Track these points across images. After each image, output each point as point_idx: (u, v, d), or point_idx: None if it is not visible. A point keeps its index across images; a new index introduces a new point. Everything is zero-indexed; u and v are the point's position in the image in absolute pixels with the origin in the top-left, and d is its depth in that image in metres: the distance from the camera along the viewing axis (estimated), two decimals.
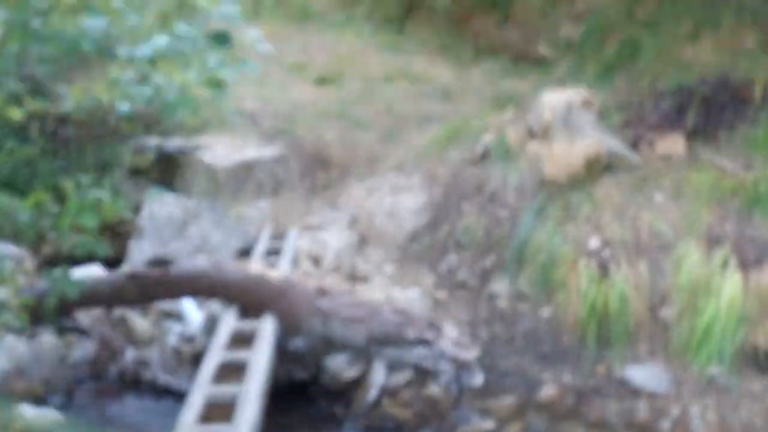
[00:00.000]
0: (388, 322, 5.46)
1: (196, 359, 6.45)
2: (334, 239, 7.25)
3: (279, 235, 7.52)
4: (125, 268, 6.14)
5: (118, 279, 5.95)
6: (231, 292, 5.78)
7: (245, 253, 7.42)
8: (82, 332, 6.64)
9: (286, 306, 5.62)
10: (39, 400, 5.76)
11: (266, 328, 5.51)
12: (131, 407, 5.96)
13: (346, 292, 6.04)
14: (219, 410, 4.61)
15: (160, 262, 5.89)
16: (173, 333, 6.73)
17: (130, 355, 6.35)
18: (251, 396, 4.66)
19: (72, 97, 4.09)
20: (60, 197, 5.22)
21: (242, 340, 5.46)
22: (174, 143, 8.86)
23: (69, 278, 4.74)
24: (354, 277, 6.93)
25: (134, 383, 6.22)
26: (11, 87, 4.41)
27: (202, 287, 5.84)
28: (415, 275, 7.07)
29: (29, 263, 7.71)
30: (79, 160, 9.16)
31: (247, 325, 5.63)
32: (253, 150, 8.60)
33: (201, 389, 4.75)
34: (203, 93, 4.11)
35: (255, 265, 5.97)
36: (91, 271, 7.18)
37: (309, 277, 6.53)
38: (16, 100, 4.31)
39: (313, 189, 8.46)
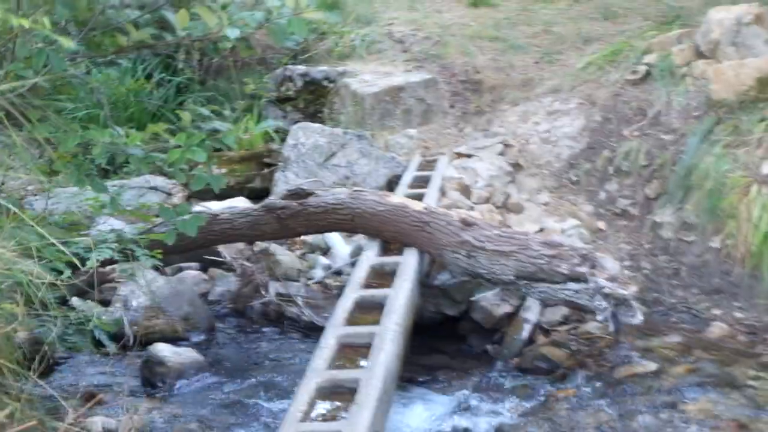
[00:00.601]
0: (539, 255, 5.01)
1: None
2: (486, 167, 6.83)
3: (428, 164, 7.16)
4: (268, 199, 5.89)
5: (256, 212, 5.70)
6: (370, 224, 5.46)
7: (394, 182, 7.10)
8: (224, 267, 6.49)
9: (428, 239, 5.25)
10: (178, 338, 5.61)
11: (407, 263, 5.16)
12: (274, 345, 5.74)
13: (493, 223, 5.63)
14: (353, 352, 4.31)
15: (299, 194, 5.61)
16: (319, 267, 6.50)
17: (273, 289, 6.13)
18: (387, 337, 4.33)
19: (178, 23, 3.80)
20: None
21: (383, 275, 5.14)
22: (320, 71, 8.59)
23: (187, 215, 4.51)
24: (506, 207, 6.51)
25: (277, 319, 6.02)
26: (126, 15, 4.17)
27: (341, 219, 5.54)
28: (571, 204, 6.60)
29: (178, 196, 7.62)
30: (226, 89, 9.03)
31: (388, 260, 5.31)
32: (401, 75, 8.23)
33: (334, 330, 4.46)
34: (317, 15, 3.76)
35: (396, 196, 5.61)
36: (235, 204, 7.02)
37: (454, 208, 6.15)
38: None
39: (463, 115, 8.04)
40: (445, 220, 5.27)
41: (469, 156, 7.16)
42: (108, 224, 5.94)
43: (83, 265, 5.31)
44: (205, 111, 4.76)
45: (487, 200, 6.53)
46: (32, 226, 3.91)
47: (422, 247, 5.32)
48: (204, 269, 6.55)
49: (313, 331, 5.82)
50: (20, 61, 3.65)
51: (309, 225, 5.66)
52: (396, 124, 7.89)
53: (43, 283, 3.91)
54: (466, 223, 5.23)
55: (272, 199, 5.77)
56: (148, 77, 9.23)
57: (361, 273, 5.07)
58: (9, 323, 3.28)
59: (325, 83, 8.57)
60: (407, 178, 6.77)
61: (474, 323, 5.62)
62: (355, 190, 5.63)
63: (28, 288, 3.92)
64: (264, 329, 5.95)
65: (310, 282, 6.36)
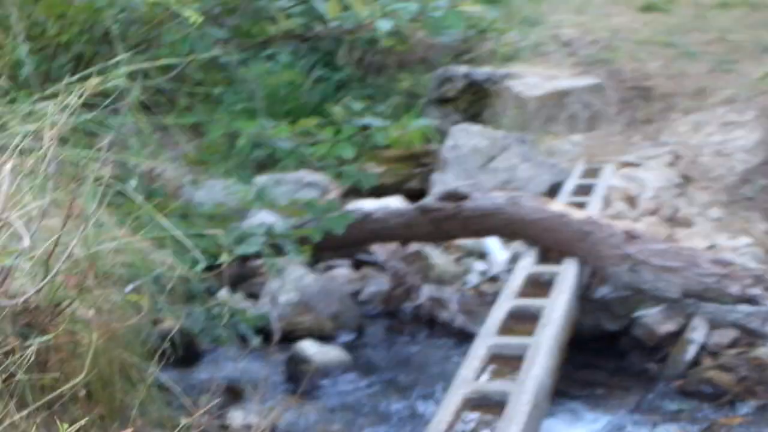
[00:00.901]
0: (708, 274, 4.70)
1: None
2: (653, 178, 6.49)
3: (592, 172, 6.86)
4: (422, 201, 5.74)
5: (410, 213, 5.56)
6: (528, 231, 5.24)
7: (555, 189, 6.85)
8: (377, 267, 6.37)
9: (588, 249, 5.00)
10: (326, 336, 5.52)
11: (566, 273, 4.92)
12: (423, 349, 5.59)
13: (660, 237, 5.33)
14: (504, 364, 4.11)
15: (454, 196, 5.44)
16: (474, 272, 6.31)
17: (426, 293, 5.98)
18: (541, 350, 4.11)
19: (328, 12, 3.69)
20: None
21: (539, 285, 4.91)
22: (483, 72, 8.40)
23: (335, 212, 4.39)
24: (673, 221, 6.17)
25: (429, 323, 5.86)
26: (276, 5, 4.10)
27: (498, 225, 5.34)
28: (744, 222, 6.19)
29: (335, 193, 7.54)
30: (386, 87, 8.93)
31: (545, 269, 5.07)
32: (566, 79, 7.96)
33: (485, 339, 4.27)
34: (474, 9, 3.59)
35: (556, 203, 5.37)
36: (390, 203, 6.91)
37: (619, 219, 5.85)
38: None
39: (631, 123, 7.70)
40: (608, 232, 5.01)
41: (635, 165, 6.83)
42: (260, 218, 5.91)
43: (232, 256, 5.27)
44: (357, 105, 4.64)
45: (653, 213, 6.21)
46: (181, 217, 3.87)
47: (582, 258, 5.07)
48: (356, 268, 6.44)
49: (464, 338, 5.63)
50: (166, 46, 3.61)
51: (464, 229, 5.49)
52: (560, 130, 7.62)
53: (180, 275, 3.87)
54: (631, 236, 4.95)
55: (427, 200, 5.61)
56: (309, 73, 9.22)
57: (516, 281, 4.86)
58: (142, 314, 3.22)
59: (488, 85, 8.36)
60: (570, 186, 6.51)
61: (635, 340, 5.31)
62: (514, 196, 5.42)
63: (167, 278, 3.88)
64: (414, 333, 5.79)
65: (464, 287, 6.18)
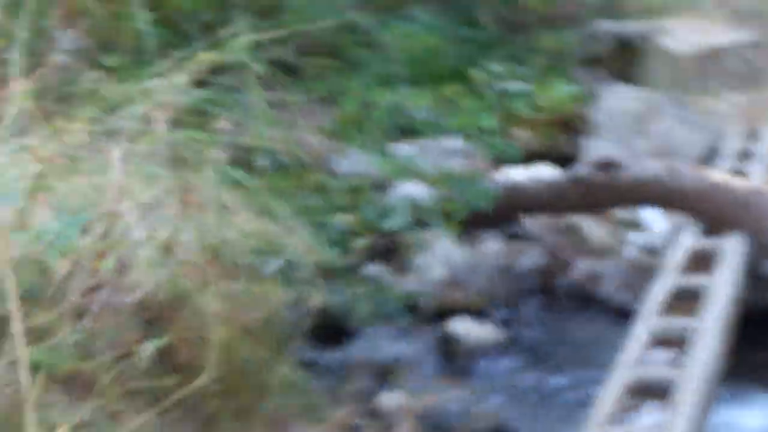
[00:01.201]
0: None
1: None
2: None
3: (752, 135, 6.50)
4: (573, 169, 5.53)
5: (561, 183, 5.37)
6: (686, 202, 4.98)
7: (711, 154, 6.53)
8: (529, 240, 6.20)
9: (756, 222, 4.72)
10: (478, 314, 5.39)
11: (731, 248, 4.67)
12: (580, 327, 5.42)
13: None
14: (667, 346, 3.92)
15: (607, 165, 5.22)
16: (632, 244, 6.08)
17: (581, 267, 5.79)
18: (708, 332, 3.90)
19: None
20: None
21: (703, 260, 4.67)
22: (632, 28, 8.04)
23: (476, 186, 4.24)
24: None
25: (585, 299, 5.66)
26: None
27: (653, 195, 5.10)
28: None
29: (480, 161, 7.38)
30: (532, 47, 8.65)
31: (708, 243, 4.82)
32: (722, 34, 7.54)
33: (645, 320, 4.08)
34: None
35: (718, 172, 5.09)
36: (539, 170, 6.71)
37: None
38: None
39: None
40: None
41: None
42: (404, 189, 5.81)
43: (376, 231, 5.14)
44: (498, 69, 4.45)
45: None
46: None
47: (749, 232, 4.79)
48: (507, 241, 6.29)
49: (623, 315, 5.42)
50: (293, 11, 3.47)
51: (618, 199, 5.28)
52: (716, 89, 7.23)
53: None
54: None
55: (579, 169, 5.39)
56: (449, 34, 9.02)
57: (677, 256, 4.64)
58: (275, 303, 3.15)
59: (637, 42, 8.00)
60: (728, 151, 6.17)
61: None
62: (671, 164, 5.16)
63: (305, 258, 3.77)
64: (570, 310, 5.61)
65: (621, 260, 5.97)
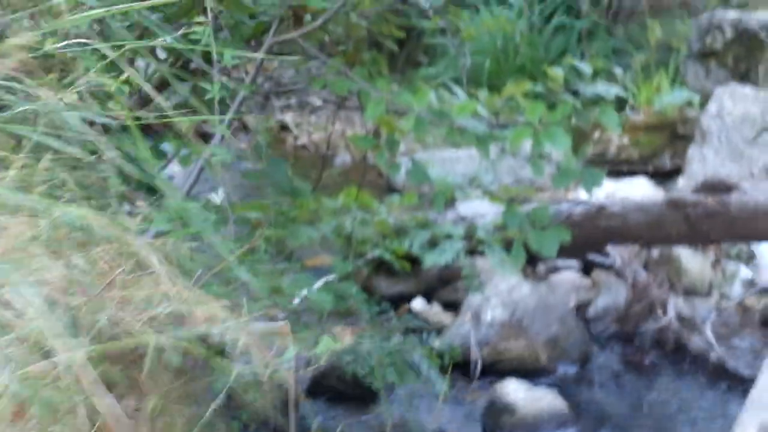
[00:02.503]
0: None
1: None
2: None
3: None
4: (678, 187, 4.33)
5: (657, 208, 4.18)
6: None
7: None
8: (611, 271, 5.00)
9: None
10: (540, 370, 4.25)
11: None
12: (667, 390, 4.25)
13: None
14: None
15: (717, 187, 4.01)
16: (737, 280, 4.87)
17: (673, 309, 4.58)
18: None
19: None
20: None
21: None
22: (757, 18, 6.70)
23: (544, 222, 3.13)
24: None
25: (676, 352, 4.48)
26: None
27: None
28: None
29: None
30: (637, 38, 7.42)
31: None
32: None
33: (757, 411, 2.88)
34: None
35: None
36: (634, 186, 5.54)
37: None
38: None
39: None
40: None
41: None
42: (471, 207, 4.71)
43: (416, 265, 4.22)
44: (585, 67, 3.29)
45: None
46: None
47: None
48: (585, 272, 5.09)
49: (723, 377, 4.26)
50: None
51: (729, 231, 4.09)
52: None
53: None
54: None
55: (680, 192, 4.18)
56: (548, 20, 7.85)
57: None
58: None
59: (763, 35, 6.67)
60: None
61: None
62: None
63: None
64: (657, 364, 4.43)
65: (723, 301, 4.76)
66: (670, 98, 6.50)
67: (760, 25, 6.66)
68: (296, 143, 7.27)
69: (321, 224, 2.98)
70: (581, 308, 4.78)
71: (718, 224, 3.99)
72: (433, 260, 3.80)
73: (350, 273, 3.51)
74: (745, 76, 6.52)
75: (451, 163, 5.92)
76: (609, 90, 3.49)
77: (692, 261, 4.94)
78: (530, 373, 4.20)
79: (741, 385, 4.17)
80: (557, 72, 3.32)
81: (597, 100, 3.47)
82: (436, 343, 4.09)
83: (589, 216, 4.33)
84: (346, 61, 3.17)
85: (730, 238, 4.17)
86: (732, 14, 6.91)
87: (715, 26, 6.95)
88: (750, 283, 4.84)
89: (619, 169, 6.22)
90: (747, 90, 5.99)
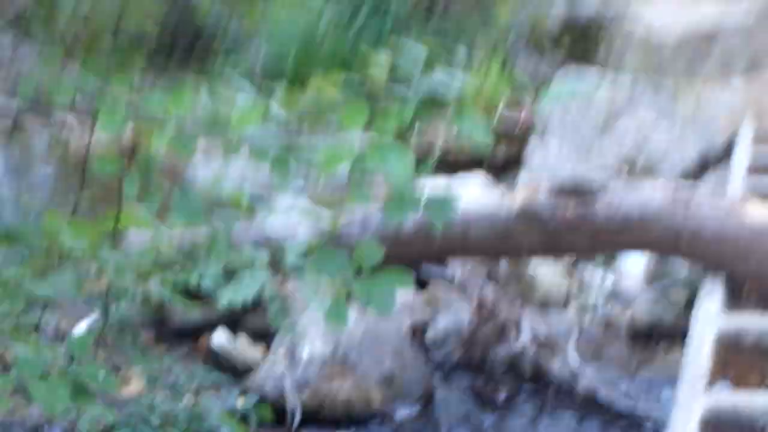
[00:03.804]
0: None
1: (636, 339, 3.99)
2: None
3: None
4: (518, 194, 3.62)
5: (507, 220, 3.46)
6: (711, 252, 3.12)
7: (710, 162, 4.72)
8: (452, 286, 4.30)
9: None
10: (373, 414, 3.50)
11: None
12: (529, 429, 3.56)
13: None
14: None
15: (577, 192, 3.33)
16: (596, 290, 4.27)
17: (529, 329, 3.92)
18: None
19: None
20: None
21: (741, 356, 2.83)
22: (590, 3, 6.09)
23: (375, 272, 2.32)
24: None
25: (535, 380, 3.81)
26: None
27: (653, 240, 3.24)
28: None
29: None
30: (460, 24, 6.76)
31: (752, 323, 2.95)
32: (713, 8, 5.64)
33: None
34: None
35: (755, 206, 3.18)
36: (470, 181, 4.88)
37: None
38: None
39: None
40: None
41: None
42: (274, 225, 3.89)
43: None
44: (417, 50, 2.49)
45: None
46: None
47: None
48: (420, 286, 4.36)
49: (596, 411, 3.60)
50: None
51: (596, 244, 3.40)
52: (710, 73, 5.33)
53: None
54: None
55: (537, 201, 3.46)
56: (357, 10, 7.05)
57: (701, 352, 2.74)
58: None
59: (603, 18, 6.05)
60: (741, 159, 4.30)
61: None
62: (680, 190, 3.27)
63: None
64: (513, 398, 3.74)
65: (585, 315, 4.15)
66: (499, 85, 5.87)
67: (600, 9, 6.08)
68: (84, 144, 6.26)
69: (56, 275, 2.11)
70: (417, 332, 4.05)
71: (583, 236, 3.31)
72: (229, 299, 2.93)
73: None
74: (583, 57, 5.91)
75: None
76: (453, 80, 2.68)
77: (545, 269, 4.30)
78: (362, 419, 3.46)
79: (617, 420, 3.53)
80: (381, 57, 2.53)
81: (437, 96, 2.65)
82: (241, 399, 3.27)
83: (422, 230, 3.55)
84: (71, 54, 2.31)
85: (599, 251, 3.50)
86: None
87: (547, 10, 6.34)
88: (611, 292, 4.24)
89: (448, 162, 5.49)
90: (590, 74, 5.41)
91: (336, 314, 2.00)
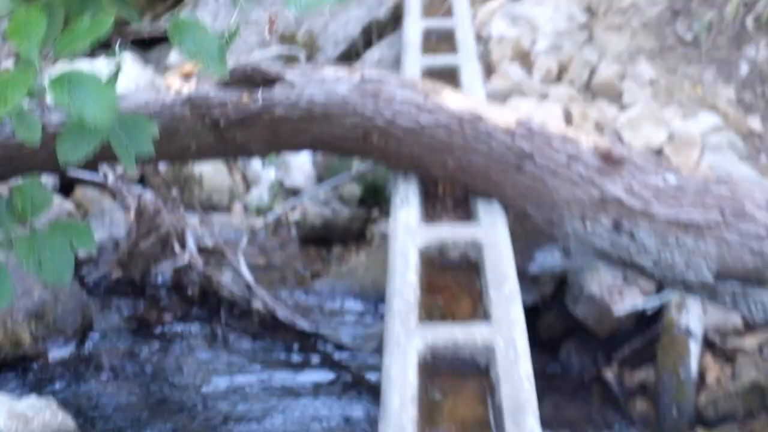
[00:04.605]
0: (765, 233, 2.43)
1: (308, 243, 3.64)
2: (548, 15, 4.05)
3: (438, 3, 4.30)
4: (177, 81, 3.03)
5: (169, 110, 2.86)
6: (404, 150, 2.73)
7: (371, 34, 4.36)
8: (104, 189, 3.69)
9: (529, 186, 2.57)
10: (22, 358, 2.92)
11: (497, 244, 2.47)
12: (202, 355, 3.12)
13: (653, 159, 2.96)
14: None
15: (254, 78, 2.81)
16: (266, 188, 3.88)
17: (193, 239, 3.42)
18: None
19: None
20: None
21: (446, 271, 2.50)
22: None
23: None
24: (591, 90, 3.81)
25: (203, 300, 3.36)
26: None
27: (342, 137, 2.80)
28: (693, 84, 3.92)
29: None
30: None
31: (450, 233, 2.60)
32: None
33: None
34: None
35: (454, 93, 2.79)
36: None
37: (517, 96, 3.48)
38: None
39: None
40: (566, 152, 2.58)
41: None
42: None
43: None
44: None
45: (558, 76, 3.82)
46: None
47: (514, 201, 2.62)
48: (64, 192, 3.71)
49: (276, 328, 3.20)
50: None
51: (273, 141, 2.90)
52: None
53: None
54: (610, 159, 2.55)
55: (203, 88, 2.88)
56: None
57: (407, 279, 2.35)
58: None
59: None
60: (412, 34, 3.86)
61: (572, 324, 3.09)
62: (368, 75, 2.83)
63: None
64: (183, 323, 3.26)
65: (255, 219, 3.70)
66: None
67: None
68: None
69: None
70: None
71: (259, 133, 2.81)
72: None
73: None
74: None
75: None
76: None
77: (207, 167, 3.78)
78: (10, 363, 2.85)
79: (302, 340, 3.16)
80: None
81: None
82: None
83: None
84: None
85: (277, 148, 3.00)
86: None
87: None
88: (279, 187, 3.82)
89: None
90: None
91: None
